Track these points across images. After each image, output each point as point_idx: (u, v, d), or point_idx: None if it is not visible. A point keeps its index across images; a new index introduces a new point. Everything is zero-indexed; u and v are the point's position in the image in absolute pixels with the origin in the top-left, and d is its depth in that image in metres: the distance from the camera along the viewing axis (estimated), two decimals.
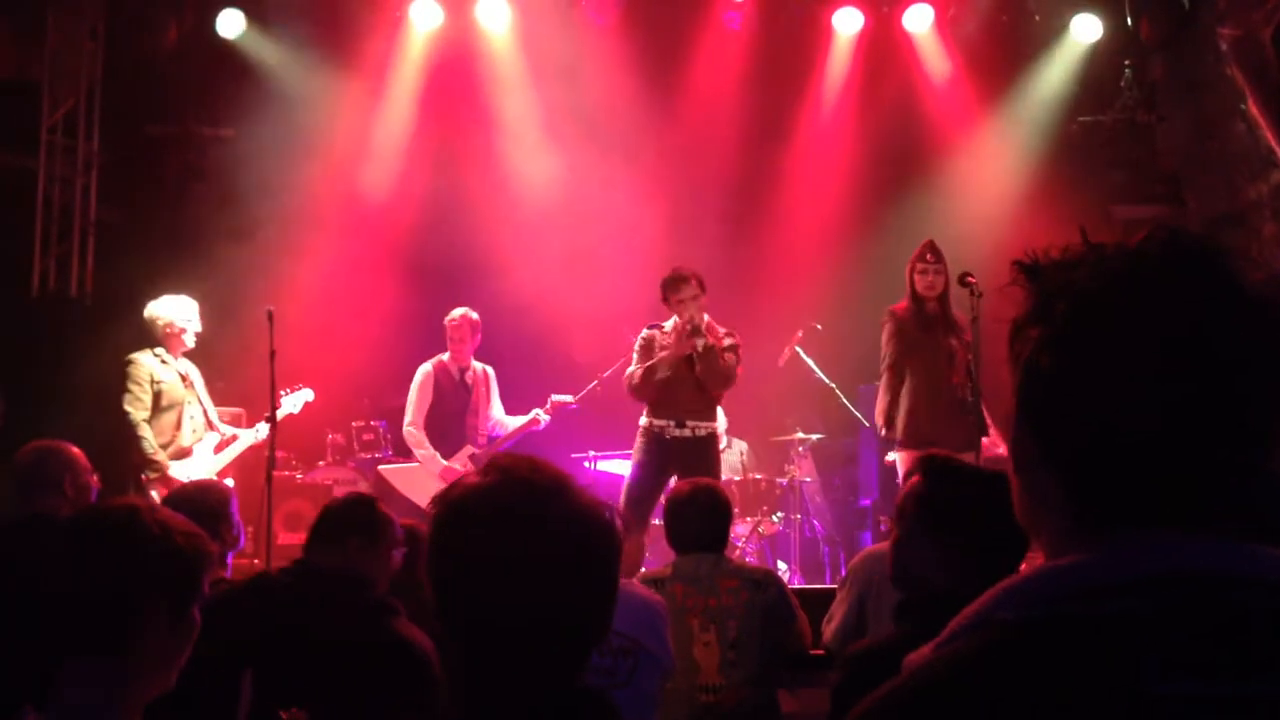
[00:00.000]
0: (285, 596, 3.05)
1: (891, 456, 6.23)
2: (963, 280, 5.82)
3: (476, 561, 1.38)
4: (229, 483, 6.12)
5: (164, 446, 6.17)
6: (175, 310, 6.39)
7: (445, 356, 7.10)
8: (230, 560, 4.03)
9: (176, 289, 6.57)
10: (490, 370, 7.22)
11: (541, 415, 7.03)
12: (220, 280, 7.64)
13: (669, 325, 6.22)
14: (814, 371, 7.85)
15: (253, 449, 6.59)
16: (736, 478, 7.98)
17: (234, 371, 7.29)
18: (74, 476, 3.76)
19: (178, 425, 6.28)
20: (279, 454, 6.64)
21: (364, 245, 8.66)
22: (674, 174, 8.74)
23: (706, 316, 6.14)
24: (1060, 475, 0.96)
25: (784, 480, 7.98)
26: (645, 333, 6.33)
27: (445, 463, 6.85)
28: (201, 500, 3.79)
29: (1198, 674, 0.85)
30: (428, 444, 6.93)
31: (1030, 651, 0.88)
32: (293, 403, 6.73)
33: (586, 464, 7.86)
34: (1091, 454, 0.94)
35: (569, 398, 7.10)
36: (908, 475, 2.92)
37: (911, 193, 8.64)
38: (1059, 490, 0.96)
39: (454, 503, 1.41)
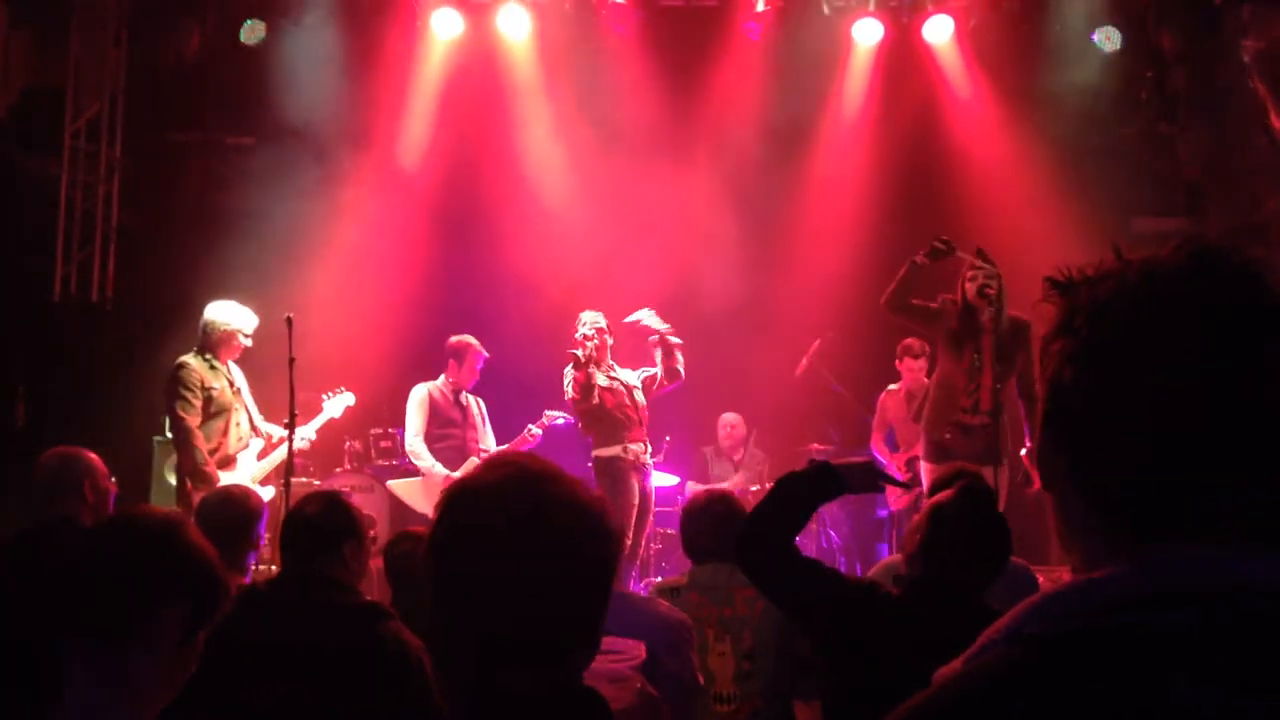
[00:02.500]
0: (280, 609, 2.97)
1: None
2: (981, 292, 5.79)
3: (472, 552, 1.37)
4: (269, 491, 6.00)
5: (211, 453, 5.98)
6: (238, 317, 6.27)
7: (440, 380, 7.14)
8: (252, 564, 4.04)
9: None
10: (481, 402, 7.26)
11: (533, 429, 7.05)
12: (240, 288, 7.67)
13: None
14: (831, 382, 7.83)
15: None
16: (754, 487, 7.97)
17: (254, 379, 7.30)
18: (93, 482, 3.78)
19: (225, 432, 6.11)
20: (296, 460, 6.62)
21: (384, 254, 8.68)
22: (692, 183, 8.74)
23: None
24: (1086, 489, 0.96)
25: None
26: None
27: (448, 474, 6.86)
28: (231, 509, 3.82)
29: (1231, 687, 0.84)
30: (428, 456, 6.95)
31: (1063, 664, 0.88)
32: (334, 407, 6.66)
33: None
34: (1115, 467, 0.94)
35: (560, 414, 7.10)
36: (933, 489, 2.96)
37: (930, 204, 8.60)
38: (1085, 504, 0.96)
39: (453, 495, 1.43)
